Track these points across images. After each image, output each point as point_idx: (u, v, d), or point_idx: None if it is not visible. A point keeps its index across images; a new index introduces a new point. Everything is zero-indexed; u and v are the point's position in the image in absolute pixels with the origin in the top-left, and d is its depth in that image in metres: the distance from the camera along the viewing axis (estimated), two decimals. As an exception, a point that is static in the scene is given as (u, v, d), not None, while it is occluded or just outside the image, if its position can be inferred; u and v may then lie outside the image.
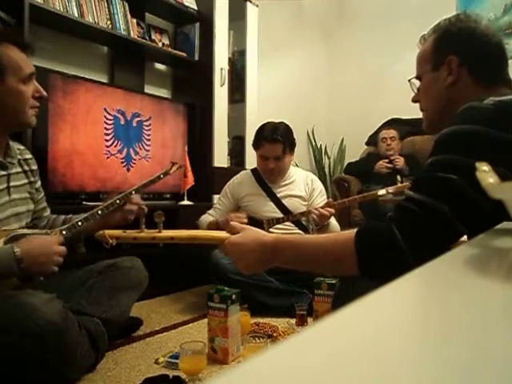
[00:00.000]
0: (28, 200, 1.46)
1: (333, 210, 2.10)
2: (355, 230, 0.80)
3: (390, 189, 2.07)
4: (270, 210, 2.27)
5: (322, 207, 2.10)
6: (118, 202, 1.48)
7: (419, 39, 1.03)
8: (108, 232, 1.08)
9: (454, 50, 0.93)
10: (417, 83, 1.03)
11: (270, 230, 2.17)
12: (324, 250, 0.83)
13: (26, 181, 1.46)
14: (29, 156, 1.51)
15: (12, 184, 1.38)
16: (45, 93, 1.40)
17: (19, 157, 1.45)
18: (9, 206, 1.35)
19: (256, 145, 2.30)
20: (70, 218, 1.55)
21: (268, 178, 2.34)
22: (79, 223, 1.42)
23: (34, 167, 1.52)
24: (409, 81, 1.06)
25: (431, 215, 0.74)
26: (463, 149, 0.76)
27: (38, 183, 1.54)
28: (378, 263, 0.76)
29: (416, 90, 1.04)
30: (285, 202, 2.30)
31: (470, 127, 0.77)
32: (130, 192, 1.51)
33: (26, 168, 1.48)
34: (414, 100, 1.05)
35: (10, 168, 1.39)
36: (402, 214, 0.77)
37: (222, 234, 0.97)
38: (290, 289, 2.07)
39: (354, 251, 0.77)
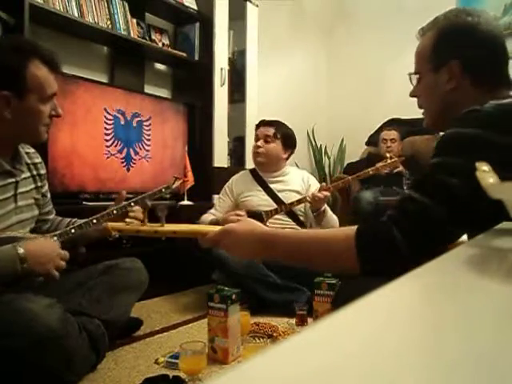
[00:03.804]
0: (33, 206, 1.46)
1: (328, 193, 2.16)
2: (355, 228, 0.80)
3: (379, 165, 2.22)
4: (267, 204, 2.33)
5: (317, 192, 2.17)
6: (114, 212, 1.49)
7: (418, 31, 1.00)
8: (111, 224, 1.08)
9: (456, 55, 0.91)
10: (416, 78, 1.01)
11: (269, 222, 2.24)
12: (322, 247, 0.83)
13: (33, 186, 1.46)
14: (38, 160, 1.51)
15: (19, 191, 1.38)
16: (60, 111, 1.40)
17: (28, 161, 1.45)
18: (14, 214, 1.36)
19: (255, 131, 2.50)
20: (74, 221, 1.54)
21: (255, 161, 2.44)
22: (72, 230, 1.43)
23: (43, 171, 1.52)
24: (409, 75, 1.04)
25: (429, 217, 0.76)
26: (464, 152, 0.76)
27: (46, 187, 1.54)
28: (379, 263, 0.76)
29: (415, 84, 1.02)
30: (281, 196, 2.36)
31: (471, 131, 0.78)
32: (129, 203, 1.51)
33: (34, 172, 1.48)
34: (412, 95, 1.03)
35: (19, 175, 1.38)
36: (402, 215, 0.78)
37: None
38: (290, 285, 2.08)
39: (354, 251, 0.78)
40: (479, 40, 0.91)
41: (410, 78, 1.03)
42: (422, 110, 1.03)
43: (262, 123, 2.46)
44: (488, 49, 0.91)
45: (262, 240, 0.88)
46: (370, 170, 2.18)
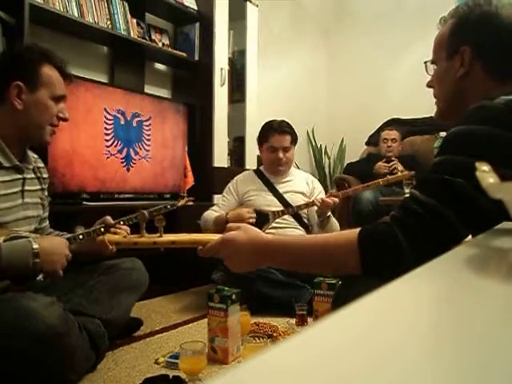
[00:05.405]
0: (39, 205, 1.50)
1: (336, 199, 2.19)
2: (357, 230, 0.79)
3: (391, 178, 2.25)
4: (273, 205, 2.32)
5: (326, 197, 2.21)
6: (121, 223, 1.50)
7: (439, 20, 0.98)
8: (108, 237, 1.08)
9: (469, 41, 0.89)
10: (433, 67, 1.00)
11: (274, 224, 2.25)
12: (324, 253, 0.82)
13: (38, 187, 1.51)
14: (41, 165, 1.56)
15: (26, 188, 1.42)
16: (68, 116, 1.45)
17: (34, 164, 1.49)
18: (21, 209, 1.39)
19: (264, 137, 2.40)
20: (62, 234, 1.55)
21: (275, 170, 2.42)
22: (80, 236, 1.44)
23: (45, 175, 1.56)
24: (425, 63, 1.02)
25: (435, 219, 0.73)
26: (471, 150, 0.74)
27: (46, 192, 1.58)
28: (383, 265, 0.75)
29: (431, 74, 1.00)
30: (287, 196, 2.35)
31: (478, 128, 0.75)
32: (135, 216, 1.48)
33: (39, 175, 1.52)
34: (429, 85, 1.01)
35: (26, 173, 1.43)
36: (406, 216, 0.76)
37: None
38: (292, 281, 2.07)
39: (357, 254, 0.76)
40: (496, 28, 0.88)
41: (426, 68, 1.01)
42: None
43: (277, 131, 2.34)
44: (505, 38, 0.88)
45: (262, 249, 0.87)
46: (380, 180, 2.22)
